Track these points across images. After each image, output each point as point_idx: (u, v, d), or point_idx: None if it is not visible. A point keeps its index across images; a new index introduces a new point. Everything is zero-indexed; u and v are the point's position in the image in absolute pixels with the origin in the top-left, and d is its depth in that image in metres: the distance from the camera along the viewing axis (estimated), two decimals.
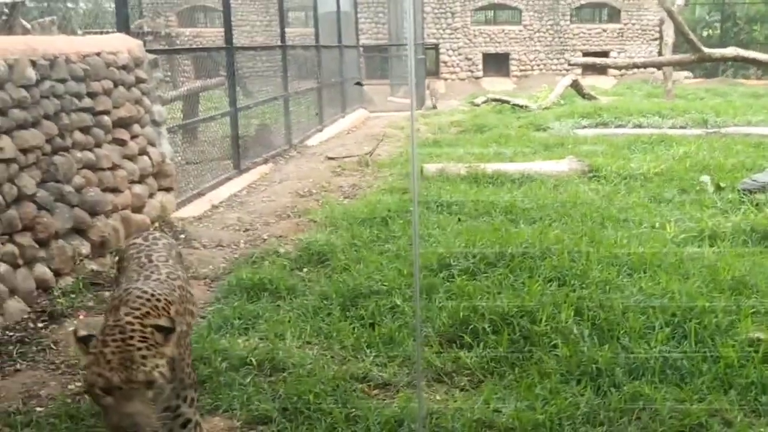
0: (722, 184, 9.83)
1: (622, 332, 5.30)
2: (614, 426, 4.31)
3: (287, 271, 7.04)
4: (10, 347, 5.53)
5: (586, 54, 32.90)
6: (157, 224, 8.43)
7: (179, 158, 10.03)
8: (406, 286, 6.31)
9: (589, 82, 27.14)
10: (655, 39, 33.66)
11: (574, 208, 8.82)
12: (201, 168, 10.99)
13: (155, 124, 8.76)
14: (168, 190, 8.87)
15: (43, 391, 4.95)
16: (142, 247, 4.12)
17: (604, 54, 33.60)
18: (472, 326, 5.51)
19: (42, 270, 6.42)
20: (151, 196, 8.45)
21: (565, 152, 12.74)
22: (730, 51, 17.17)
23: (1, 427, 4.48)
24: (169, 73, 11.36)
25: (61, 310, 6.16)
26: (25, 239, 6.26)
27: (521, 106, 20.80)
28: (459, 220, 8.52)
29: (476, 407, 4.46)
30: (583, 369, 4.86)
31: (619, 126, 17.06)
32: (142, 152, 8.36)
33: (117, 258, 4.75)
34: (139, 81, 8.38)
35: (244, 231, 8.79)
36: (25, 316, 6.03)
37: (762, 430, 4.28)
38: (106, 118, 7.63)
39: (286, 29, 15.62)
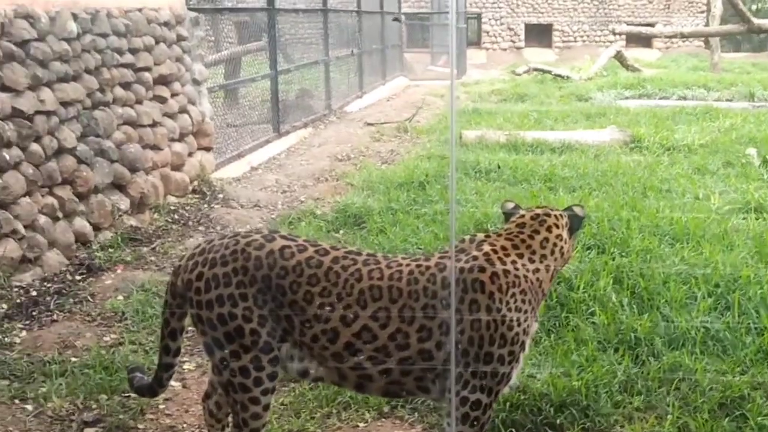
0: None
1: (662, 301, 5.20)
2: (652, 395, 4.24)
3: (324, 232, 7.05)
4: (48, 298, 5.60)
5: (630, 26, 32.29)
6: (196, 183, 8.46)
7: (220, 120, 10.05)
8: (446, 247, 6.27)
9: (633, 54, 26.67)
10: (702, 11, 32.91)
11: (614, 177, 8.70)
12: (241, 130, 11.03)
13: (196, 82, 8.76)
14: (207, 149, 8.90)
15: (78, 341, 5.01)
16: None
17: (650, 26, 32.95)
18: None
19: (81, 224, 6.48)
20: (190, 155, 8.49)
21: (606, 122, 12.56)
22: None
23: (37, 375, 4.54)
24: (212, 37, 11.34)
25: (99, 263, 6.23)
26: (65, 192, 6.32)
27: (563, 77, 20.54)
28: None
29: None
30: (621, 337, 4.78)
31: (663, 98, 16.77)
32: (182, 110, 8.39)
33: None
34: (180, 39, 8.38)
35: (281, 192, 8.81)
36: (64, 269, 6.10)
37: None
38: (146, 75, 7.65)
39: None
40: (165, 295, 3.56)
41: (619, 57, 22.37)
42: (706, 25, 26.70)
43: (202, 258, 3.39)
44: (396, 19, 22.16)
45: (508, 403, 4.08)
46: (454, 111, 3.26)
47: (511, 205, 3.64)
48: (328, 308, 3.31)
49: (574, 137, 11.05)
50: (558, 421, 4.01)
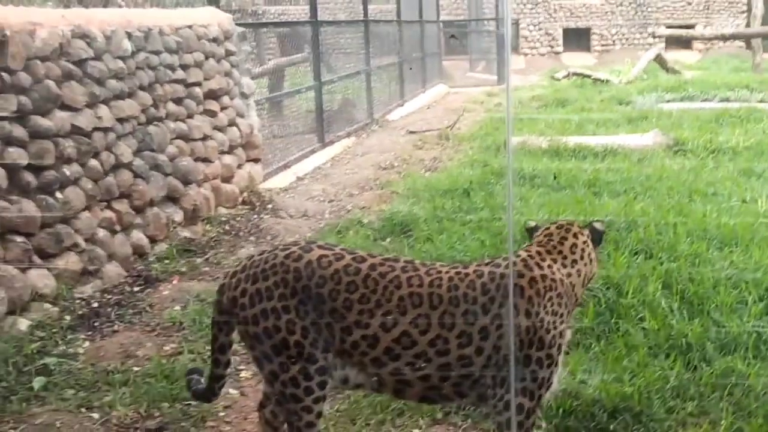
0: None
1: (712, 306, 5.19)
2: (705, 401, 4.24)
3: (371, 240, 7.12)
4: (108, 309, 5.77)
5: (670, 28, 31.95)
6: (245, 194, 8.63)
7: (266, 132, 10.22)
8: (489, 257, 6.31)
9: (673, 56, 26.36)
10: (743, 12, 32.45)
11: (659, 181, 8.65)
12: (286, 141, 11.20)
13: (243, 96, 8.94)
14: (255, 161, 9.07)
15: (139, 351, 5.13)
16: None
17: (689, 27, 32.58)
18: None
19: (138, 236, 6.67)
20: (239, 166, 8.66)
21: (649, 126, 12.49)
22: None
23: (101, 384, 4.68)
24: (255, 50, 11.54)
25: (155, 275, 6.40)
26: (122, 206, 6.51)
27: (603, 81, 20.40)
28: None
29: (563, 378, 4.44)
30: (672, 343, 4.78)
31: (706, 100, 16.56)
32: (231, 123, 8.57)
33: None
34: (229, 54, 8.57)
35: (328, 202, 8.93)
36: (122, 280, 6.28)
37: None
38: (197, 90, 7.84)
39: (369, 5, 15.65)
40: (213, 312, 3.68)
41: (659, 59, 22.16)
42: (747, 25, 26.34)
43: (244, 274, 3.48)
44: (453, 36, 22.25)
45: (561, 409, 4.10)
46: (511, 120, 3.33)
47: (533, 224, 3.86)
48: (366, 315, 3.39)
49: (617, 141, 11.02)
50: (611, 427, 4.02)
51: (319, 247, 3.58)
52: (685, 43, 28.80)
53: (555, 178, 9.04)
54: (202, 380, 3.86)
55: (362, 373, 3.50)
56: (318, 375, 3.44)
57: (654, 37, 25.24)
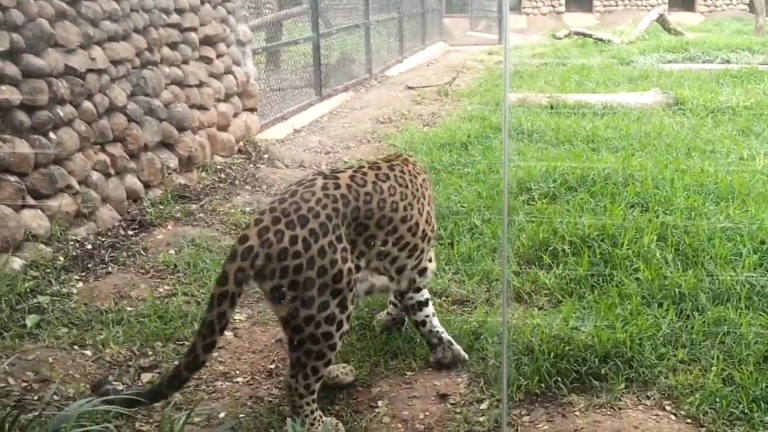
0: None
1: (707, 258, 5.21)
2: (696, 348, 4.27)
3: None
4: (102, 251, 5.76)
5: None
6: (241, 143, 8.57)
7: (263, 84, 10.14)
8: (485, 208, 6.33)
9: (675, 17, 26.16)
10: None
11: (658, 138, 8.65)
12: (284, 94, 11.11)
13: (240, 44, 8.84)
14: (252, 110, 9.00)
15: (133, 292, 5.16)
16: None
17: None
18: (551, 248, 5.51)
19: (132, 180, 6.63)
20: (235, 115, 8.59)
21: (649, 85, 12.43)
22: None
23: (95, 323, 4.71)
24: (253, 2, 11.41)
25: (150, 219, 6.39)
26: (117, 150, 6.46)
27: (604, 41, 20.27)
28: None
29: (555, 324, 4.45)
30: (666, 293, 4.81)
31: (707, 61, 16.49)
32: (228, 71, 8.48)
33: None
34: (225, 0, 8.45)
35: (325, 153, 8.90)
36: (116, 224, 6.27)
37: None
38: (192, 35, 7.75)
39: None
40: (221, 288, 3.40)
41: (661, 20, 22.00)
42: None
43: (285, 222, 3.40)
44: None
45: (552, 353, 4.13)
46: (508, 73, 3.33)
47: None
48: (409, 209, 3.80)
49: (617, 100, 10.96)
50: (603, 372, 4.06)
51: (335, 171, 3.77)
52: (688, 4, 28.54)
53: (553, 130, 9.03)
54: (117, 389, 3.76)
55: (384, 275, 3.85)
56: (351, 305, 3.56)
57: None
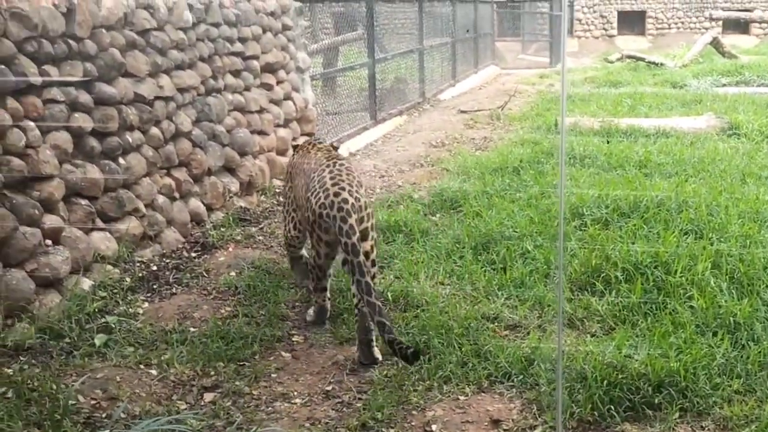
0: None
1: (762, 287, 5.19)
2: (752, 379, 4.25)
3: (421, 215, 7.22)
4: (167, 273, 5.96)
5: (727, 11, 31.22)
6: None
7: (319, 108, 10.34)
8: (537, 233, 6.37)
9: (729, 40, 25.85)
10: None
11: (712, 164, 8.57)
12: (339, 119, 11.30)
13: (299, 70, 9.07)
14: (310, 134, 9.20)
15: (196, 313, 5.32)
16: None
17: (748, 11, 31.81)
18: (604, 274, 5.52)
19: (196, 204, 6.86)
20: (293, 140, 8.79)
21: (703, 109, 12.34)
22: None
23: (160, 343, 4.87)
24: (311, 28, 11.66)
25: (212, 242, 6.57)
26: (181, 174, 6.70)
27: (657, 64, 20.13)
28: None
29: (608, 352, 4.46)
30: (720, 322, 4.79)
31: (762, 85, 16.28)
32: (287, 97, 8.71)
33: None
34: (286, 28, 8.70)
35: (379, 177, 9.03)
36: (180, 246, 6.48)
37: None
38: (255, 63, 7.99)
39: None
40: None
41: (715, 43, 21.77)
42: None
43: (348, 181, 4.88)
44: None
45: (605, 381, 4.16)
46: (564, 97, 3.32)
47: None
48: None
49: (670, 124, 10.91)
50: (656, 401, 4.07)
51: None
52: (742, 27, 28.16)
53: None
54: None
55: None
56: None
57: (710, 20, 24.74)
